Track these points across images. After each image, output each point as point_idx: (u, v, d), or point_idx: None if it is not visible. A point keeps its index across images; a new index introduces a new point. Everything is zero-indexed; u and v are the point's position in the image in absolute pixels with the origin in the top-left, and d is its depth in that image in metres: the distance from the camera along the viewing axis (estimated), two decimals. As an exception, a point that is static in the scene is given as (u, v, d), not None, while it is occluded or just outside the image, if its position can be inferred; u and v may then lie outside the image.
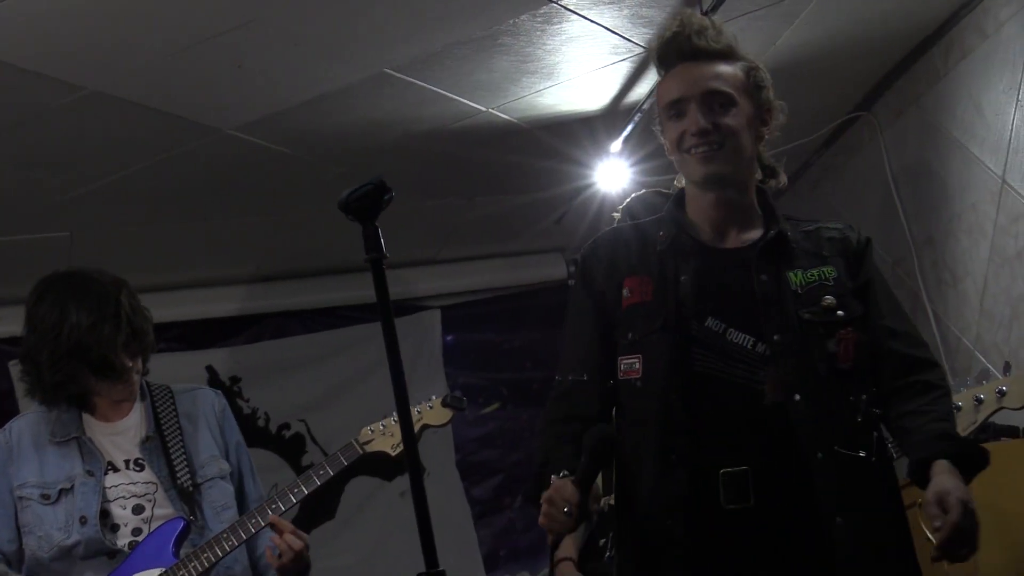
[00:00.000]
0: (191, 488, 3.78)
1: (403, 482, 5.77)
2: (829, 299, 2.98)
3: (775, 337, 2.92)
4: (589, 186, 5.40)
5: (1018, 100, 4.59)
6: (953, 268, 5.11)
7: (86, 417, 3.82)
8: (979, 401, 3.93)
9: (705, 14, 4.36)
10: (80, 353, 3.69)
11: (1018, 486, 4.12)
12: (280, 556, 3.60)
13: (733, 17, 4.47)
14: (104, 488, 3.73)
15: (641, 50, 4.70)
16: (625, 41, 4.64)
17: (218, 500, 3.81)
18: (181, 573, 3.67)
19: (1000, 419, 4.05)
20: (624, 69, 4.88)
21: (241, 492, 3.93)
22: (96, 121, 4.66)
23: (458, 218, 6.25)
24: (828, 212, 5.91)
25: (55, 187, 5.04)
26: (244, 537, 3.72)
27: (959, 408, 3.93)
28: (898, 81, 5.30)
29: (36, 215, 5.25)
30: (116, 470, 3.77)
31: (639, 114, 5.03)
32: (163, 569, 3.66)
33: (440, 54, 4.36)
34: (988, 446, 4.14)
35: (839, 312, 2.98)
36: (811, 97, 5.30)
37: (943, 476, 2.82)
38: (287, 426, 6.14)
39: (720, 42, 3.03)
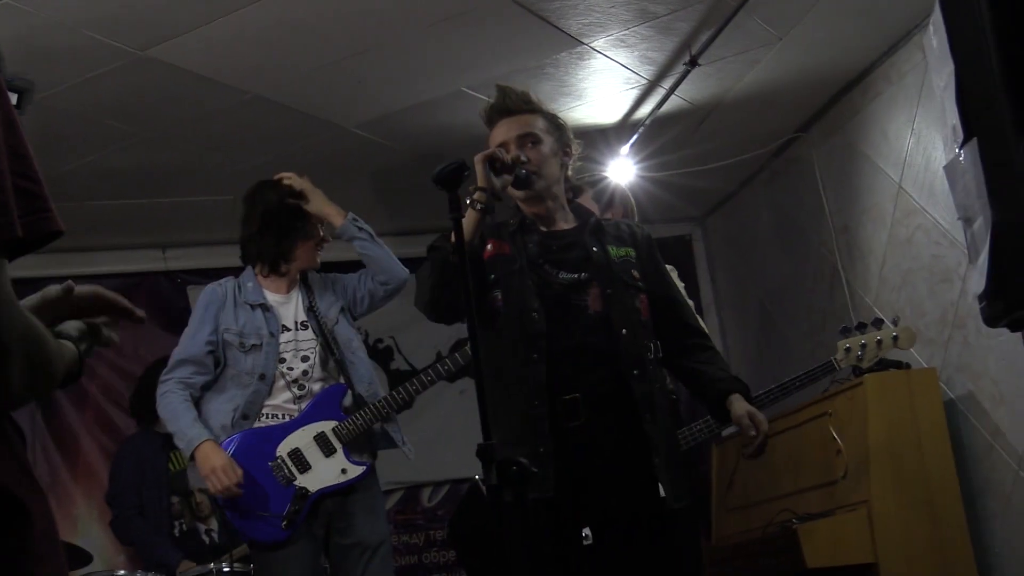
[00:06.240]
0: (333, 339, 3.89)
1: (463, 383, 5.84)
2: (635, 272, 3.09)
3: (608, 291, 3.01)
4: (604, 179, 5.46)
5: (912, 129, 4.72)
6: (861, 248, 5.19)
7: (265, 292, 3.92)
8: (879, 343, 4.03)
9: (693, 59, 4.43)
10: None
11: (902, 404, 4.25)
12: None
13: (712, 61, 4.55)
14: (281, 343, 3.84)
15: (646, 81, 4.78)
16: (634, 75, 4.72)
17: (342, 336, 3.94)
18: (349, 426, 3.80)
19: (891, 355, 4.19)
20: (633, 95, 4.94)
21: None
22: (255, 119, 4.70)
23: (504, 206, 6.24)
24: (775, 205, 5.95)
25: (222, 164, 5.11)
26: (403, 404, 3.87)
27: (864, 346, 4.03)
28: (828, 112, 5.37)
29: (206, 183, 5.30)
30: (288, 330, 3.86)
31: (642, 128, 5.10)
32: (336, 423, 3.79)
33: (503, 78, 4.36)
34: (883, 375, 4.26)
35: (640, 283, 3.08)
36: (765, 120, 5.37)
37: (742, 403, 3.00)
38: (381, 340, 6.21)
39: (528, 102, 3.15)
